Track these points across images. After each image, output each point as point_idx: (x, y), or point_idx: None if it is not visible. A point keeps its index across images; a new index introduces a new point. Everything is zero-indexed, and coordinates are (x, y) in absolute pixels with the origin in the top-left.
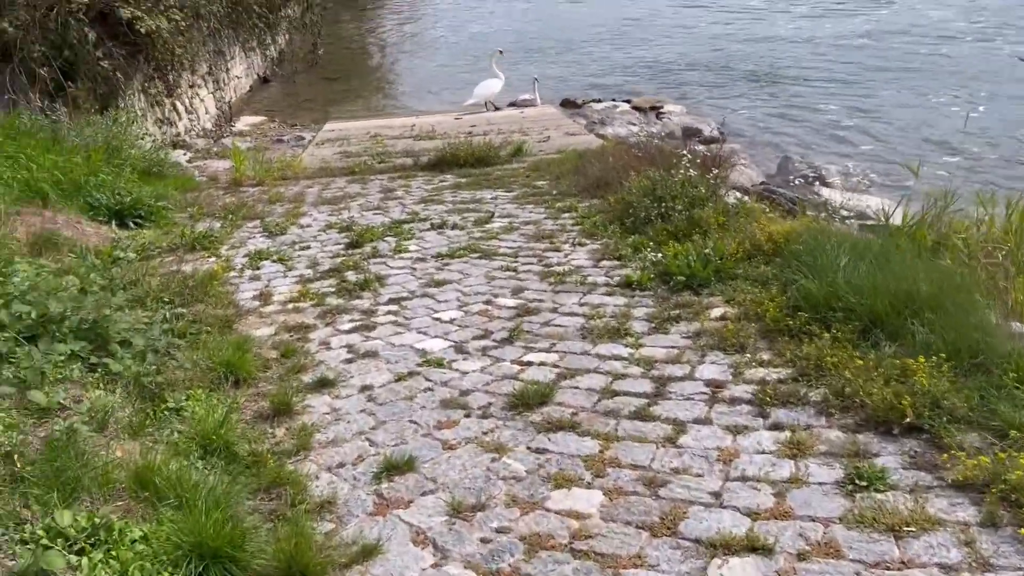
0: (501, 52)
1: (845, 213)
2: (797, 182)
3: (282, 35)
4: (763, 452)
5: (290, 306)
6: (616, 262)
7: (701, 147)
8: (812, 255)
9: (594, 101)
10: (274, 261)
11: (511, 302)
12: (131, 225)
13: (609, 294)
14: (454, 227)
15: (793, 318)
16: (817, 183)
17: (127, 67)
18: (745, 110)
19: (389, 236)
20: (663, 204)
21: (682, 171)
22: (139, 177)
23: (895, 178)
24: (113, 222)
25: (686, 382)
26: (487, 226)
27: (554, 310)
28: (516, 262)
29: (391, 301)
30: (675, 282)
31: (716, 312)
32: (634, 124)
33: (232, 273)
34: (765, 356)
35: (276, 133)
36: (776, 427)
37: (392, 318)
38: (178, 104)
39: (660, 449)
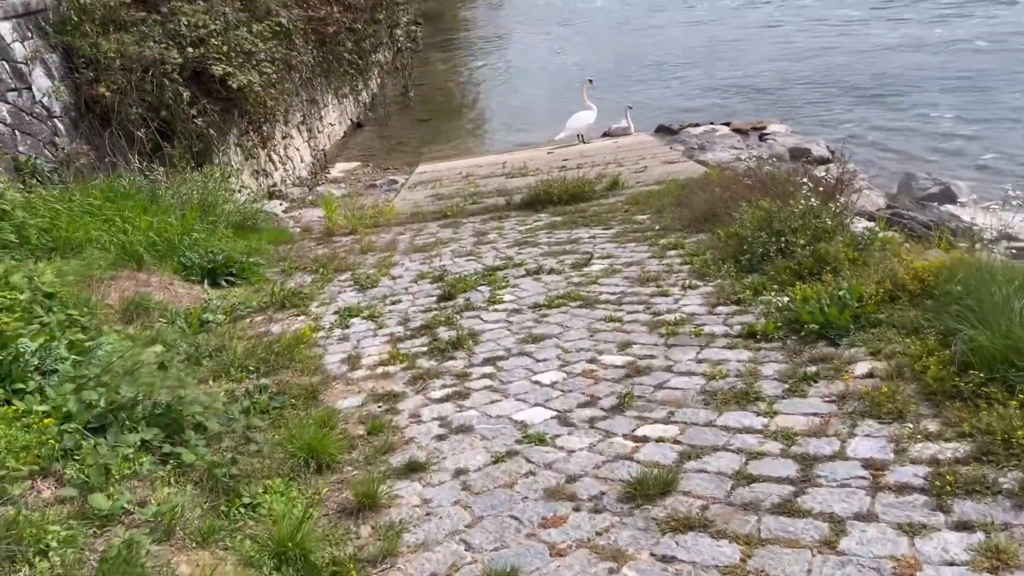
0: (591, 81)
1: (994, 237)
2: (926, 203)
3: (374, 80)
4: (952, 563)
5: (379, 370)
6: (734, 307)
7: (818, 169)
8: (974, 296)
9: (691, 126)
10: (364, 318)
11: (618, 359)
12: (223, 283)
13: (730, 347)
14: (550, 272)
15: (962, 377)
16: (948, 203)
17: (221, 122)
18: (852, 124)
19: (482, 285)
20: (782, 238)
21: (802, 200)
22: (233, 232)
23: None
24: (205, 281)
25: (837, 462)
26: (586, 269)
27: (668, 368)
28: (620, 310)
29: (486, 361)
30: (807, 331)
31: (861, 368)
32: (737, 148)
33: (320, 333)
34: (932, 426)
35: (370, 178)
36: (963, 526)
37: (487, 382)
38: (273, 155)
39: (817, 556)
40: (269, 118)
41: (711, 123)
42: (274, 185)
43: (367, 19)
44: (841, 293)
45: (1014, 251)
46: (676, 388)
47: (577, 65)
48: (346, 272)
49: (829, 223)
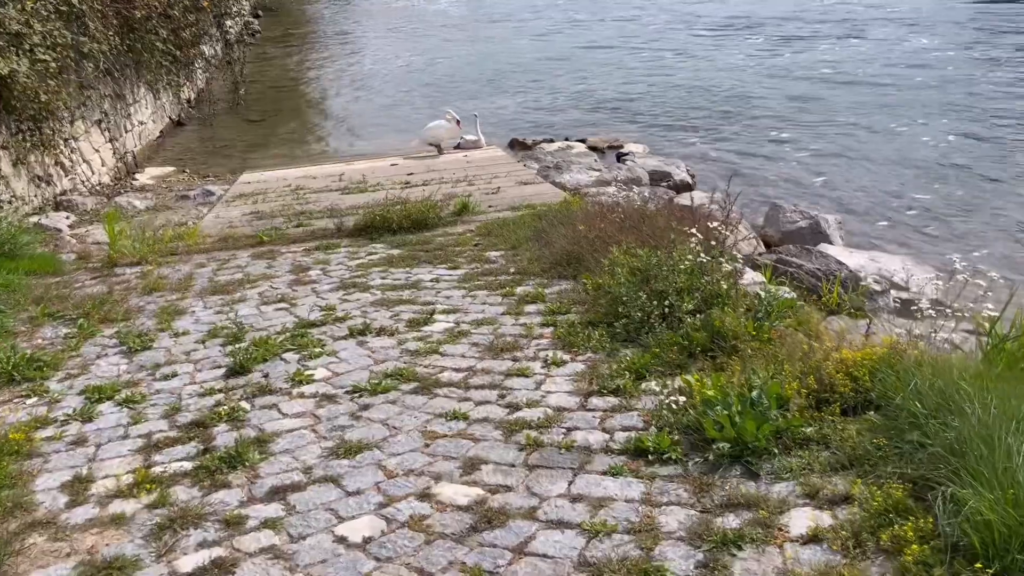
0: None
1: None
2: (807, 247)
3: (198, 74)
4: None
5: (112, 507)
6: (613, 399)
7: (681, 197)
8: (942, 420)
9: (545, 141)
10: (119, 404)
11: (463, 493)
12: None
13: (614, 472)
14: (380, 332)
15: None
16: (821, 240)
17: None
18: (707, 147)
19: (290, 351)
20: (665, 300)
21: (688, 254)
22: None
23: (885, 222)
24: None
25: None
26: (426, 328)
27: (531, 513)
28: (467, 399)
29: (273, 494)
30: (715, 452)
31: (799, 524)
32: (595, 169)
33: (47, 431)
34: None
35: (184, 186)
36: None
37: (268, 538)
38: (62, 158)
39: None
40: (47, 115)
41: (566, 139)
42: (63, 193)
43: (188, 5)
44: (754, 395)
45: (898, 302)
46: (544, 557)
47: (426, 69)
48: (120, 323)
49: (723, 285)
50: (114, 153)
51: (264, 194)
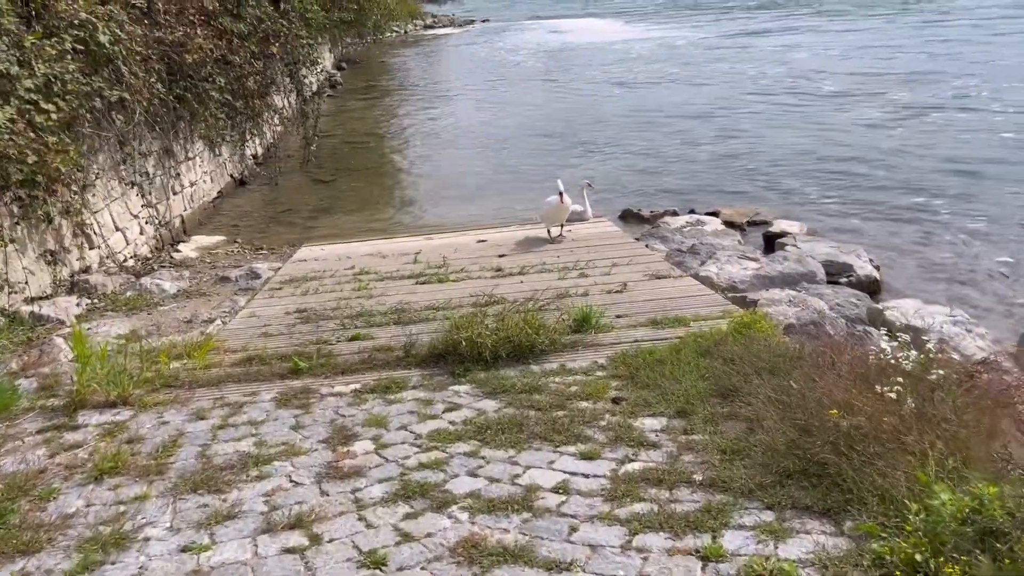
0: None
1: None
2: None
3: (268, 127)
4: None
5: None
6: None
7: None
8: None
9: (668, 214)
10: None
11: None
12: None
13: None
14: None
15: None
16: None
17: None
18: (871, 224)
19: None
20: None
21: None
22: None
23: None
24: None
25: None
26: None
27: None
28: None
29: None
30: None
31: None
32: (751, 258)
33: None
34: None
35: (231, 260)
36: None
37: None
38: (85, 227)
39: None
40: (55, 178)
41: (692, 211)
42: (85, 270)
43: (254, 52)
44: None
45: None
46: None
47: (514, 128)
48: (14, 559)
49: None
50: (156, 220)
51: (320, 279)
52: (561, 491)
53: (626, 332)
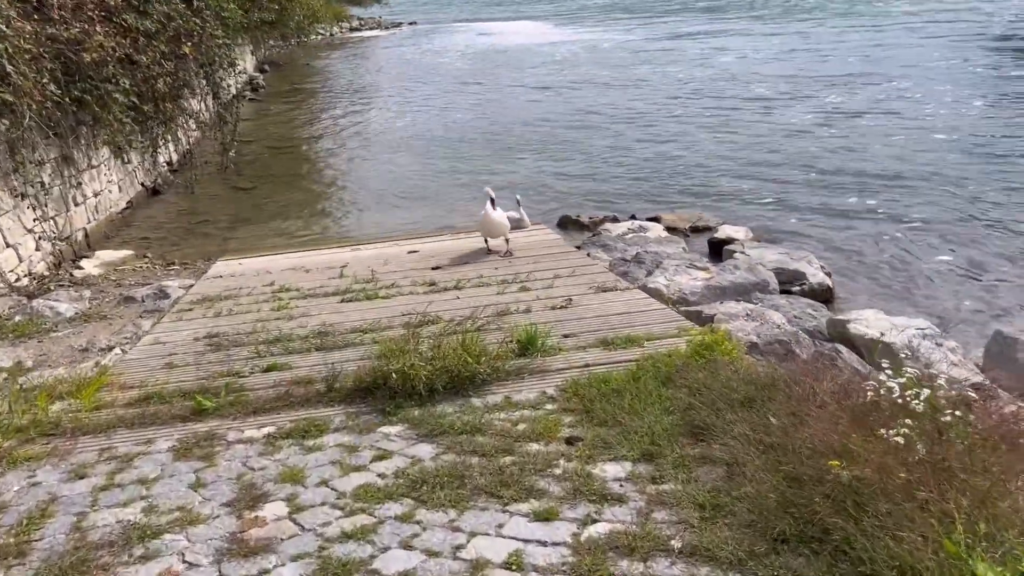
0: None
1: None
2: None
3: (183, 132)
4: None
5: None
6: None
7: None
8: None
9: (608, 220)
10: None
11: None
12: None
13: None
14: None
15: None
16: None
17: None
18: (816, 228)
19: None
20: None
21: None
22: None
23: None
24: None
25: None
26: None
27: None
28: None
29: None
30: None
31: None
32: (699, 267)
33: None
34: None
35: (136, 279)
36: None
37: None
38: None
39: None
40: None
41: (633, 217)
42: None
43: (164, 52)
44: None
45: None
46: None
47: (438, 129)
48: None
49: None
50: (50, 234)
51: (235, 298)
52: (515, 567)
53: (575, 355)
